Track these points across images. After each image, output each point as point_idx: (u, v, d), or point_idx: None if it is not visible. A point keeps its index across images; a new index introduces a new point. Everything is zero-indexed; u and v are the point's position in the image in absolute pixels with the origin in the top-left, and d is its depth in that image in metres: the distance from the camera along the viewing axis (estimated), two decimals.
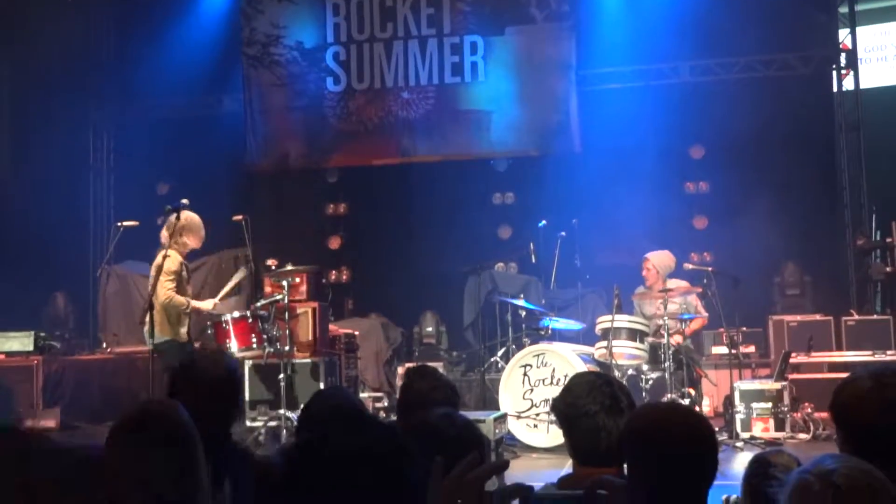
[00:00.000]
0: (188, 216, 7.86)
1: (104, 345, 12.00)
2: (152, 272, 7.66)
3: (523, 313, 10.01)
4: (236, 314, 8.38)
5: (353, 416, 1.85)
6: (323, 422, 2.42)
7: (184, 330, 7.73)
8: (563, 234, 11.09)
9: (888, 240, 11.05)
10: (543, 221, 11.27)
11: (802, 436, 8.83)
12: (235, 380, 3.63)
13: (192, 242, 7.92)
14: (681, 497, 2.60)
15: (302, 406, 3.77)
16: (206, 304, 8.13)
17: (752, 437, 8.71)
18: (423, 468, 1.65)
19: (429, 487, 1.41)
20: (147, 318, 7.43)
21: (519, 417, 8.61)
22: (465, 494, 1.36)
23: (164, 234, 7.83)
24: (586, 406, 3.21)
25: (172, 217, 7.73)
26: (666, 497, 2.59)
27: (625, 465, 3.12)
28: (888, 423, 2.96)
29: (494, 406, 8.77)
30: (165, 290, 7.55)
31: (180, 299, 7.66)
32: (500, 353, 10.59)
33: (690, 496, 2.62)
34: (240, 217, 9.62)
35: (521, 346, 9.41)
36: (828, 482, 2.24)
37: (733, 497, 3.84)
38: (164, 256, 7.56)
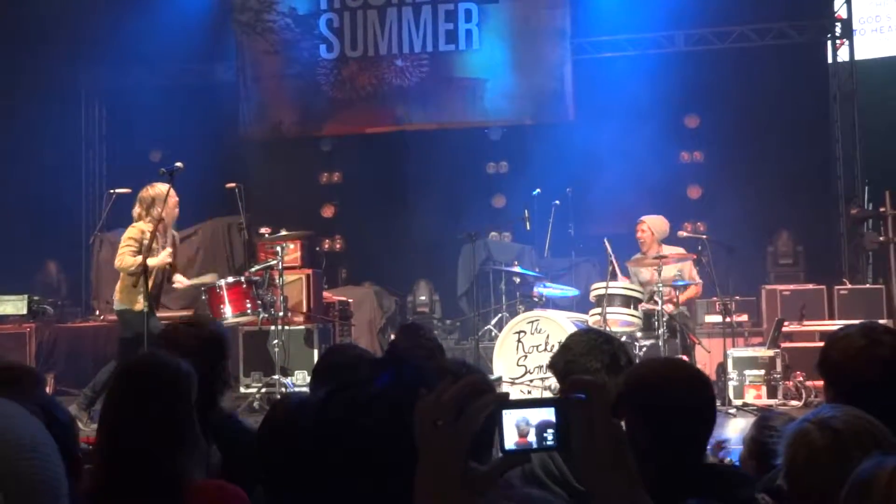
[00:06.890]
0: (147, 189, 7.74)
1: (97, 312, 11.99)
2: None
3: (517, 280, 10.02)
4: (230, 279, 8.38)
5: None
6: (351, 367, 2.40)
7: (140, 297, 7.27)
8: (557, 202, 11.10)
9: (881, 209, 11.06)
10: (538, 190, 11.24)
11: (794, 403, 8.89)
12: (219, 343, 3.56)
13: (165, 212, 7.58)
14: (681, 447, 2.61)
15: (317, 361, 3.73)
16: (160, 263, 7.64)
17: (745, 404, 8.78)
18: None
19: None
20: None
21: (513, 384, 8.63)
22: (442, 413, 1.33)
23: (135, 209, 7.77)
24: (587, 364, 3.21)
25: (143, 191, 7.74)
26: (666, 447, 2.60)
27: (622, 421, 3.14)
28: (881, 380, 2.97)
29: (488, 373, 8.80)
30: (118, 255, 7.54)
31: (129, 260, 7.39)
32: (493, 321, 10.59)
33: (690, 445, 2.64)
34: (233, 185, 9.61)
35: (514, 314, 9.40)
36: (826, 426, 2.25)
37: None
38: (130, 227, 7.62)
